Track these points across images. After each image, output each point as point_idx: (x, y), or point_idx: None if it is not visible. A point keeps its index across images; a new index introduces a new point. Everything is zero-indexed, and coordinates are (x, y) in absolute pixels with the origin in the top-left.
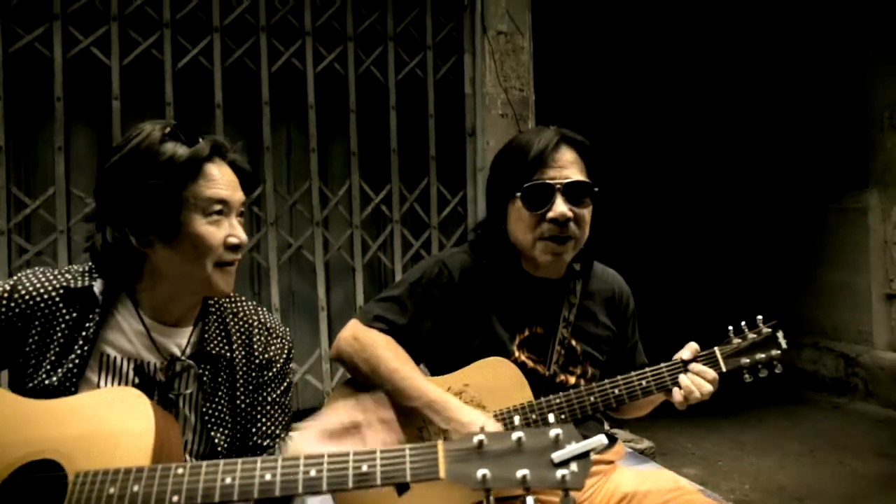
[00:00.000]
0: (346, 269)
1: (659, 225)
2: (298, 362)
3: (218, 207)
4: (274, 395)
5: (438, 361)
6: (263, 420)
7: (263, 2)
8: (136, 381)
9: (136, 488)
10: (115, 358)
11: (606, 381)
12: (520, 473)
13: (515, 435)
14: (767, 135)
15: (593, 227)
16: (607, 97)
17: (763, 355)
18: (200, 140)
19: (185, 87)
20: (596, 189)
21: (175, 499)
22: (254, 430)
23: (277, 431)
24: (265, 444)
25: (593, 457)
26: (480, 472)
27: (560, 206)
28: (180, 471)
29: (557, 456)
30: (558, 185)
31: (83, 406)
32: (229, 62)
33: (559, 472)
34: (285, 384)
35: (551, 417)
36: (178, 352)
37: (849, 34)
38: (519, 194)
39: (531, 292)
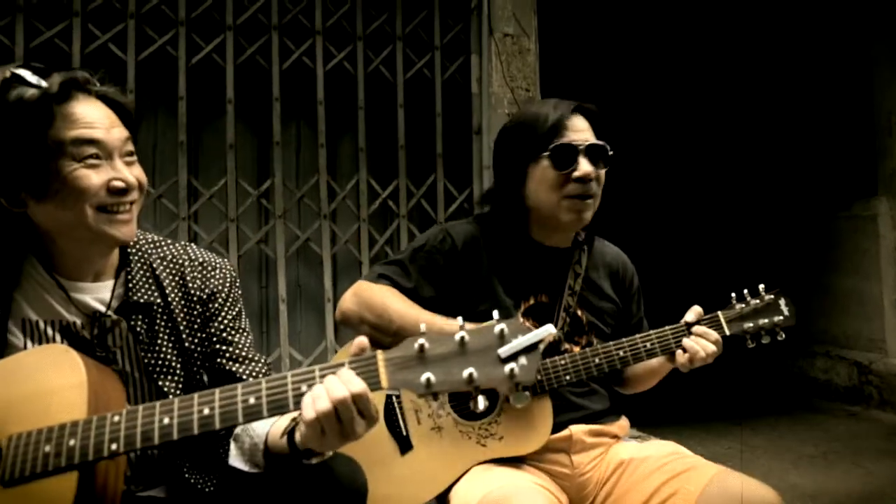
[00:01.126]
0: (353, 262)
1: (669, 233)
2: (304, 354)
3: (90, 150)
4: (227, 321)
5: None
6: (224, 347)
7: (276, 1)
8: (64, 343)
9: (72, 442)
10: (37, 321)
11: (612, 343)
12: (465, 373)
13: (458, 335)
14: (775, 143)
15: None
16: (613, 100)
17: (766, 321)
18: (53, 76)
19: (198, 83)
20: (611, 153)
21: (114, 447)
22: (219, 360)
23: (248, 354)
24: (241, 369)
25: (597, 427)
26: (424, 377)
27: (585, 166)
28: (116, 418)
29: (504, 351)
30: (581, 147)
31: (8, 370)
32: (241, 59)
33: (507, 367)
34: (237, 309)
35: (494, 314)
36: (102, 307)
37: (854, 40)
38: (547, 154)
39: (537, 261)
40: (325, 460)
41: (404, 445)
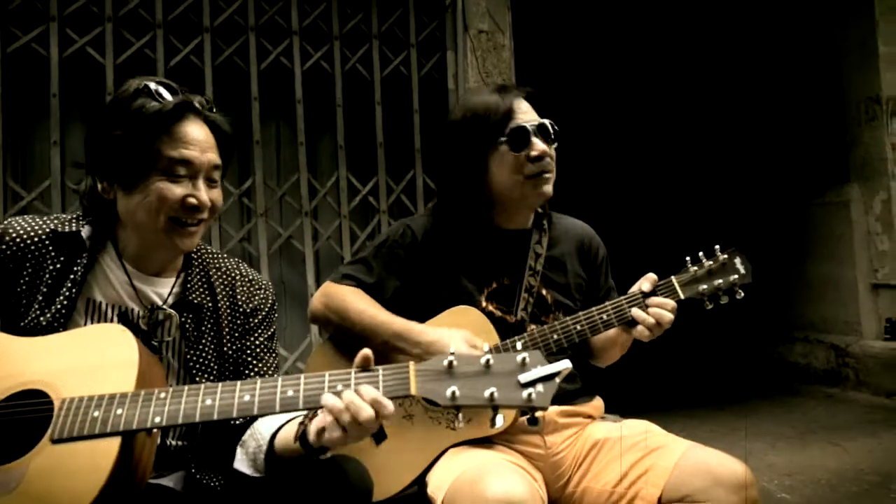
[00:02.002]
0: (335, 258)
1: (646, 222)
2: (289, 350)
3: (182, 168)
4: (262, 339)
5: (410, 318)
6: (254, 362)
7: (252, 3)
8: None
9: (119, 411)
10: (100, 303)
11: (569, 318)
12: (487, 392)
13: (484, 358)
14: (750, 133)
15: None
16: (588, 92)
17: (721, 281)
18: (174, 96)
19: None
20: (556, 129)
21: (157, 420)
22: (246, 372)
23: (270, 373)
24: None
25: (570, 408)
26: (450, 390)
27: (540, 144)
28: (163, 395)
29: (524, 377)
30: (532, 127)
31: (69, 341)
32: (219, 61)
33: (525, 392)
34: (271, 331)
35: (519, 345)
36: (159, 301)
37: (825, 30)
38: (504, 139)
39: (497, 245)
40: (337, 460)
41: (378, 436)
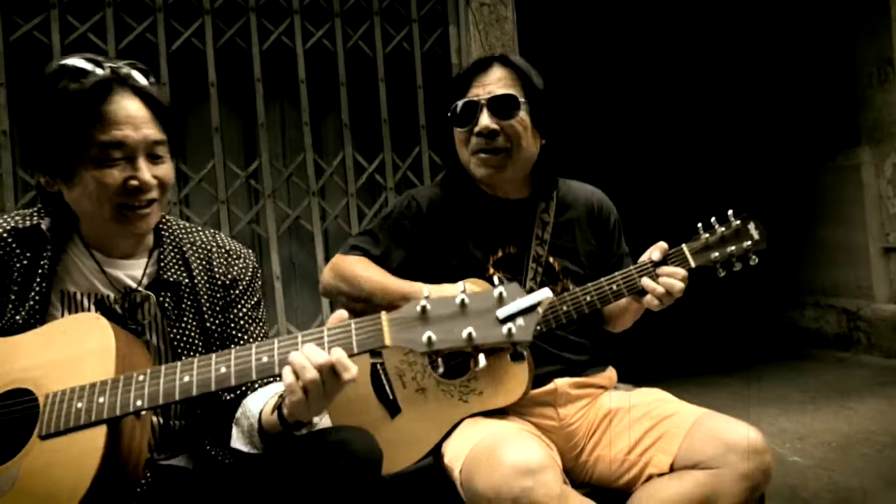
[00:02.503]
0: (343, 236)
1: (656, 187)
2: (302, 328)
3: (117, 152)
4: (245, 310)
5: None
6: (240, 335)
7: None
8: (97, 314)
9: (101, 399)
10: (74, 293)
11: (578, 289)
12: (465, 332)
13: (458, 298)
14: (762, 96)
15: (549, 144)
16: (594, 61)
17: (734, 248)
18: (98, 71)
19: (180, 68)
20: (523, 101)
21: (139, 402)
22: (233, 345)
23: None
24: None
25: (582, 379)
26: (426, 335)
27: (484, 120)
28: (141, 377)
29: (502, 312)
30: (482, 101)
31: (46, 336)
32: (221, 42)
33: (505, 328)
34: (255, 299)
35: (495, 279)
36: (133, 283)
37: None
38: (451, 115)
39: (500, 214)
40: (343, 437)
41: (393, 409)
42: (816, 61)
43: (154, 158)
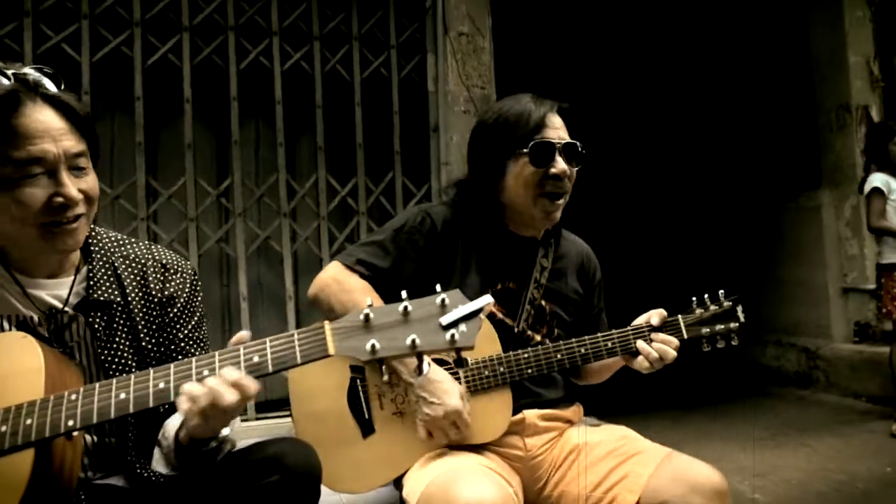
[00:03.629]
0: (313, 259)
1: (624, 226)
2: None
3: (36, 168)
4: (185, 331)
5: None
6: (180, 358)
7: (232, 2)
8: None
9: (28, 421)
10: None
11: (574, 339)
12: (409, 339)
13: (401, 306)
14: (726, 139)
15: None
16: (566, 95)
17: (722, 326)
18: (2, 81)
19: (155, 83)
20: (584, 151)
21: (70, 423)
22: None
23: None
24: None
25: (550, 412)
26: (369, 344)
27: (561, 163)
28: (73, 396)
29: (445, 319)
30: (559, 145)
31: None
32: (198, 59)
33: (448, 334)
34: (196, 318)
35: (438, 286)
36: (58, 304)
37: (797, 39)
38: (526, 150)
39: (508, 249)
40: (277, 450)
41: (366, 429)
42: (779, 105)
43: (77, 171)
